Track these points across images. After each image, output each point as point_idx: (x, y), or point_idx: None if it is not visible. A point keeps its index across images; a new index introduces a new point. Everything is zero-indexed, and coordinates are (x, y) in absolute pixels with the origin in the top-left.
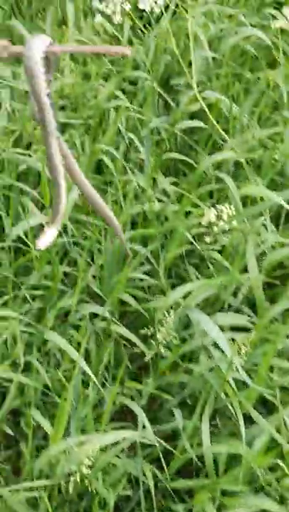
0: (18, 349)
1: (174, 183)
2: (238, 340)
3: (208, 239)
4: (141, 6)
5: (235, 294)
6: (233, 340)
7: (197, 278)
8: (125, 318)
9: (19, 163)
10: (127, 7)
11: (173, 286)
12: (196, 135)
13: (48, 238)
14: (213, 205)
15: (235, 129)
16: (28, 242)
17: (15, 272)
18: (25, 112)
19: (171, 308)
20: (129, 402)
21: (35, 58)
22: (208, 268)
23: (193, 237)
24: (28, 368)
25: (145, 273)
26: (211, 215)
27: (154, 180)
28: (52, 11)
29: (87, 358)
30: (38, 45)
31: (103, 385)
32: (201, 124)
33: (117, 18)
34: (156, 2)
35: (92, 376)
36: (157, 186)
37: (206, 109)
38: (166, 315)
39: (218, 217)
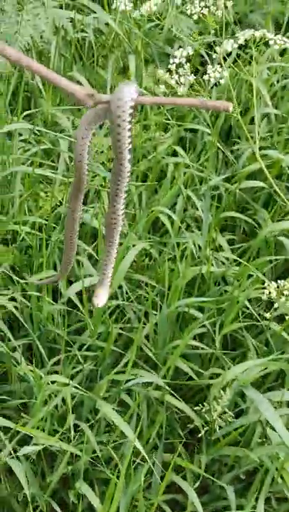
0: (68, 420)
1: (232, 241)
2: None
3: (268, 315)
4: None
5: None
6: None
7: (255, 349)
8: (179, 383)
9: None
10: (191, 77)
11: (230, 350)
12: (256, 192)
13: (101, 298)
14: (276, 280)
15: None
16: (82, 302)
17: (68, 331)
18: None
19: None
20: (181, 481)
21: (124, 108)
22: (267, 339)
23: (254, 308)
24: (76, 433)
25: (200, 338)
26: (272, 290)
27: (212, 238)
28: (113, 59)
29: (138, 423)
30: (128, 94)
31: (155, 448)
32: (262, 184)
33: (181, 90)
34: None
35: (145, 455)
36: (215, 244)
37: (266, 172)
38: (222, 393)
39: (280, 292)
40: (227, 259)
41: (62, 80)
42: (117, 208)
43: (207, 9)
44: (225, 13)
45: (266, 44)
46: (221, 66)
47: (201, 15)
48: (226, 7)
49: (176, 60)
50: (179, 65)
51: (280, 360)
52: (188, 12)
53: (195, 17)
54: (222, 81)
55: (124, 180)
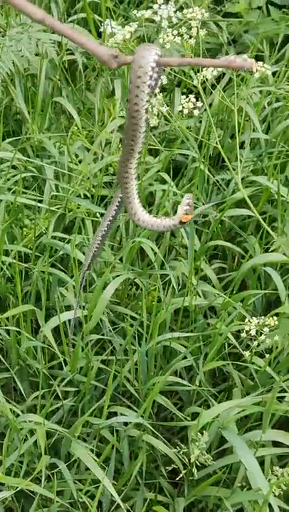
0: (42, 461)
1: (222, 269)
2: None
3: (247, 353)
4: None
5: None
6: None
7: (241, 382)
8: (157, 423)
9: (58, 249)
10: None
11: (216, 383)
12: (245, 219)
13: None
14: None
15: (284, 216)
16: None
17: (48, 366)
18: (69, 191)
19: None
20: None
21: (145, 69)
22: (252, 376)
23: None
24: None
25: (187, 369)
26: (252, 327)
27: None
28: (101, 83)
29: (118, 461)
30: (148, 56)
31: (136, 487)
32: (248, 213)
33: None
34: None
35: (120, 502)
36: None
37: (249, 202)
38: (200, 435)
39: (260, 328)
40: (213, 287)
41: (87, 42)
42: (130, 167)
43: (180, 37)
44: (219, 34)
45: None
46: (197, 98)
47: (174, 43)
48: (192, 37)
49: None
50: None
51: (261, 402)
52: (161, 41)
53: (168, 45)
54: (196, 112)
55: (140, 138)
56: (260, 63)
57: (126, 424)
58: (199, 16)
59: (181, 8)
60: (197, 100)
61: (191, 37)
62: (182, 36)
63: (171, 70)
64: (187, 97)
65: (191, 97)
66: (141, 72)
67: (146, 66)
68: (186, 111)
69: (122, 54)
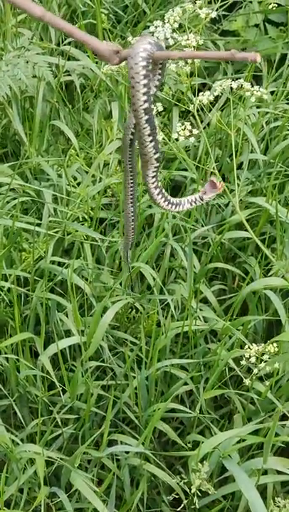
0: (41, 493)
1: (222, 290)
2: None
3: (247, 381)
4: None
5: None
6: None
7: (242, 407)
8: (157, 453)
9: (56, 274)
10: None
11: (215, 408)
12: (245, 240)
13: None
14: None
15: (283, 237)
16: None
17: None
18: (68, 214)
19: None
20: None
21: (136, 60)
22: (253, 401)
23: (239, 365)
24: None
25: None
26: (252, 354)
27: (198, 288)
28: (99, 104)
29: (120, 488)
30: (140, 48)
31: None
32: (246, 235)
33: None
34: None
35: None
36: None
37: (246, 225)
38: (200, 465)
39: (259, 360)
40: (214, 310)
41: (88, 39)
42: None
43: (175, 65)
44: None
45: (257, 81)
46: (192, 124)
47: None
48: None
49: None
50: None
51: (263, 429)
52: None
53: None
54: (191, 139)
55: (145, 131)
56: (257, 87)
57: (127, 451)
58: (194, 43)
59: (180, 27)
60: (195, 119)
61: (187, 63)
62: (177, 63)
63: (168, 91)
64: (186, 117)
65: (187, 124)
66: (133, 73)
67: (136, 58)
68: (182, 138)
69: (122, 49)
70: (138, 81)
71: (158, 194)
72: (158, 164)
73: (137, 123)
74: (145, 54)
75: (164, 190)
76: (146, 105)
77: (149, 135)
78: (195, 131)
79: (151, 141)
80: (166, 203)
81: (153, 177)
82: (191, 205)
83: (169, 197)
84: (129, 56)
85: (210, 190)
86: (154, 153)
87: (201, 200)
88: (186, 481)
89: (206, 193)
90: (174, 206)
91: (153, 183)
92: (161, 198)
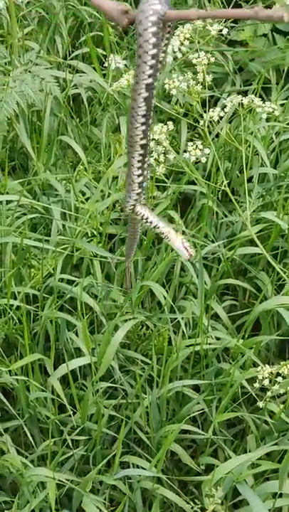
0: None
1: (233, 306)
2: None
3: (261, 403)
4: None
5: None
6: None
7: (256, 427)
8: (170, 477)
9: (65, 292)
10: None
11: (228, 426)
12: (255, 255)
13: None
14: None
15: None
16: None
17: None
18: (76, 230)
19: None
20: None
21: (146, 25)
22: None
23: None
24: None
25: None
26: (265, 375)
27: (209, 305)
28: (107, 118)
29: (132, 509)
30: (152, 11)
31: None
32: (257, 251)
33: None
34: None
35: None
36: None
37: (260, 244)
38: (213, 490)
39: (272, 381)
40: (225, 327)
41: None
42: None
43: (186, 83)
44: (224, 63)
45: (266, 92)
46: (203, 142)
47: (180, 90)
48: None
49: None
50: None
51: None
52: (167, 87)
53: (174, 91)
54: (203, 159)
55: (141, 88)
56: (268, 104)
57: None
58: (205, 60)
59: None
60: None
61: (198, 83)
62: (188, 81)
63: (176, 103)
64: (194, 129)
65: (198, 143)
66: (141, 41)
67: (146, 34)
68: (193, 158)
69: (131, 10)
70: (146, 51)
71: (137, 190)
72: (143, 152)
73: (134, 98)
74: (155, 18)
75: (143, 192)
76: (149, 80)
77: (142, 116)
78: (206, 151)
79: (142, 124)
80: (140, 208)
81: (138, 168)
82: (157, 228)
83: (145, 204)
84: (137, 20)
85: (179, 245)
86: (141, 139)
87: (166, 237)
88: (199, 506)
89: (171, 240)
90: (145, 216)
91: (138, 176)
92: (137, 196)
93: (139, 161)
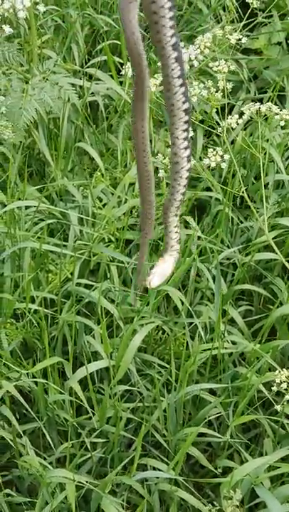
0: None
1: (249, 311)
2: None
3: (279, 407)
4: None
5: None
6: None
7: (272, 431)
8: (188, 479)
9: (83, 297)
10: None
11: (244, 431)
12: (271, 261)
13: (161, 275)
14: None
15: None
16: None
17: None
18: (94, 235)
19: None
20: None
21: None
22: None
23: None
24: None
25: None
26: (283, 379)
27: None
28: (123, 125)
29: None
30: None
31: None
32: (274, 256)
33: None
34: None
35: None
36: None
37: (274, 246)
38: (232, 493)
39: None
40: (241, 332)
41: None
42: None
43: (207, 90)
44: (239, 71)
45: (281, 100)
46: (215, 142)
47: (200, 96)
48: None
49: None
50: None
51: None
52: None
53: (194, 98)
54: (223, 165)
55: (168, 65)
56: (286, 111)
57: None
58: (226, 69)
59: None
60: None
61: (217, 90)
62: (209, 89)
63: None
64: (209, 136)
65: (219, 149)
66: (155, 8)
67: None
68: (213, 164)
69: None
70: (163, 15)
71: (187, 166)
72: (187, 118)
73: (164, 64)
74: None
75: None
76: (174, 40)
77: (178, 77)
78: (226, 157)
79: (181, 86)
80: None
81: (184, 139)
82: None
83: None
84: None
85: (155, 269)
86: (183, 103)
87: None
88: (217, 508)
89: (162, 258)
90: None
91: (185, 149)
92: (188, 174)
93: (184, 131)
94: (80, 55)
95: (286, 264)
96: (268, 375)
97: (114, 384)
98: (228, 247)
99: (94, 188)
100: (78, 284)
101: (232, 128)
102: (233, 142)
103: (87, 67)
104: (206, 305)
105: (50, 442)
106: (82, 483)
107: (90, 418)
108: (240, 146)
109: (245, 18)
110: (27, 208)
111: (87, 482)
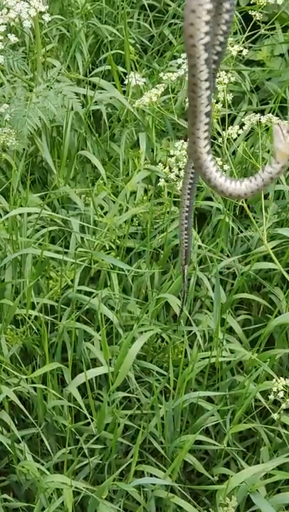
0: None
1: (248, 321)
2: None
3: (276, 415)
4: None
5: None
6: None
7: (269, 440)
8: (185, 486)
9: (83, 303)
10: None
11: (240, 439)
12: (270, 271)
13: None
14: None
15: None
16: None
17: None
18: (95, 243)
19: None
20: None
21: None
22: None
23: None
24: None
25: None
26: (280, 387)
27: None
28: (126, 134)
29: None
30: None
31: None
32: (273, 266)
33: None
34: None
35: None
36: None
37: (276, 260)
38: (228, 500)
39: (287, 394)
40: (240, 341)
41: None
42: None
43: None
44: (242, 82)
45: (282, 111)
46: (221, 159)
47: None
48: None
49: (177, 152)
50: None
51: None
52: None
53: None
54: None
55: (203, 97)
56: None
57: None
58: (226, 80)
59: None
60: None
61: (217, 101)
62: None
63: None
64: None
65: (219, 160)
66: (193, 18)
67: (200, 10)
68: None
69: None
70: (201, 3)
71: (211, 161)
72: (208, 120)
73: (192, 65)
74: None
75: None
76: (206, 39)
77: (205, 80)
78: (226, 167)
79: (207, 89)
80: (224, 179)
81: (205, 138)
82: (264, 181)
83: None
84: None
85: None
86: (206, 106)
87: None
88: None
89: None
90: (233, 183)
91: (205, 147)
92: (214, 168)
93: (205, 131)
94: (84, 64)
95: (285, 274)
96: (266, 384)
97: (112, 391)
98: (228, 256)
99: (96, 196)
100: (79, 291)
101: (233, 139)
102: (234, 153)
103: (91, 77)
104: (205, 313)
105: (48, 448)
106: (80, 489)
107: (88, 424)
108: (241, 156)
109: (248, 29)
110: (29, 214)
111: (84, 488)
